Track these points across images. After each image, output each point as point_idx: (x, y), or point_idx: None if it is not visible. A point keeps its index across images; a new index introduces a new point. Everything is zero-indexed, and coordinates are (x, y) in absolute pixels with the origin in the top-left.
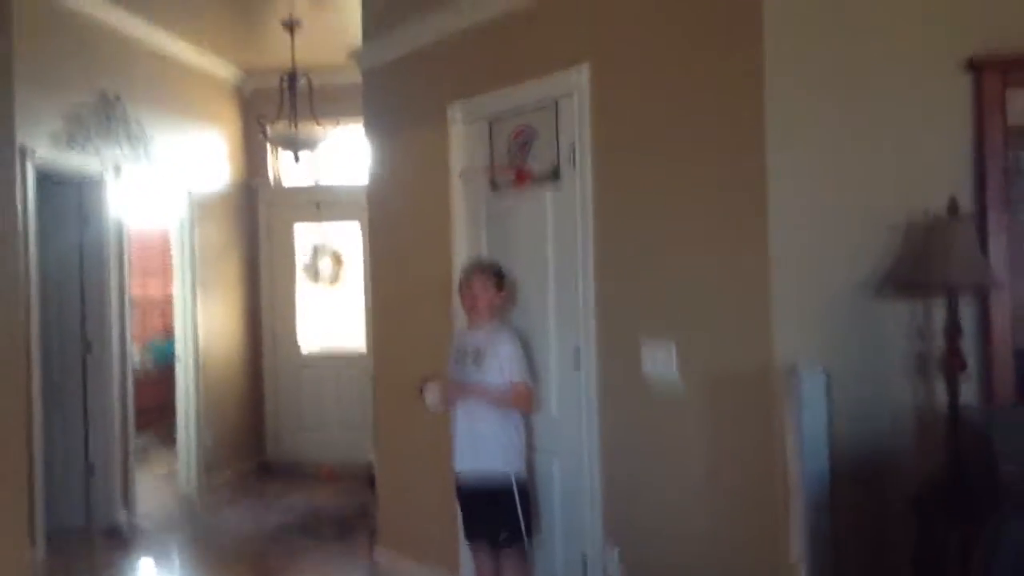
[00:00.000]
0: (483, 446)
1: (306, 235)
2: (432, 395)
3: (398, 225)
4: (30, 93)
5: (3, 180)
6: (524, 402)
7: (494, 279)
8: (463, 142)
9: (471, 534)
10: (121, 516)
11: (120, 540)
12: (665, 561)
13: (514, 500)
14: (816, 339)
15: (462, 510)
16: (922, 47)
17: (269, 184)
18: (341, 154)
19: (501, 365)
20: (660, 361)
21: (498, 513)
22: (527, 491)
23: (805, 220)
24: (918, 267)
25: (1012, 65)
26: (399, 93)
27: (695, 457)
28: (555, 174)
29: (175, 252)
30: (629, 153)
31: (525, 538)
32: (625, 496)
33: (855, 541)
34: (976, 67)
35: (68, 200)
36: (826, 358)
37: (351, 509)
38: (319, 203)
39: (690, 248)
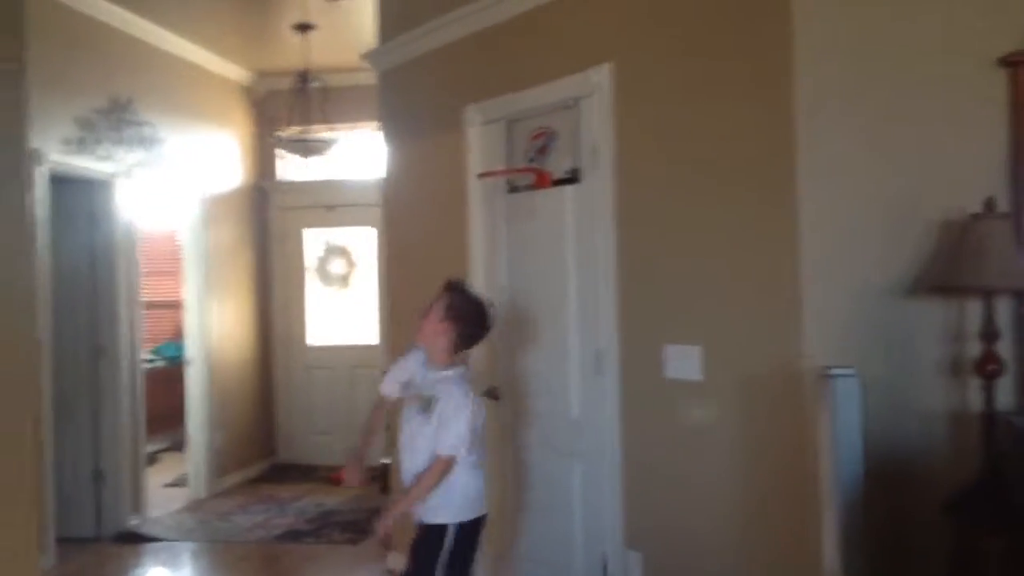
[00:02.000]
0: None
1: (318, 236)
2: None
3: (415, 228)
4: (42, 97)
5: (16, 189)
6: (433, 479)
7: (445, 303)
8: (481, 144)
9: None
10: (132, 522)
11: (131, 546)
12: (689, 567)
13: (440, 551)
14: (847, 341)
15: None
16: (955, 44)
17: (280, 186)
18: (354, 157)
19: (437, 428)
20: (685, 365)
21: (417, 559)
22: (466, 540)
23: (836, 220)
24: (952, 268)
25: None
26: (416, 94)
27: (720, 462)
28: (576, 175)
29: (187, 254)
30: (653, 154)
31: None
32: (647, 500)
33: (887, 546)
34: (1012, 63)
35: (79, 203)
36: (857, 361)
37: (363, 512)
38: (331, 207)
39: (717, 250)
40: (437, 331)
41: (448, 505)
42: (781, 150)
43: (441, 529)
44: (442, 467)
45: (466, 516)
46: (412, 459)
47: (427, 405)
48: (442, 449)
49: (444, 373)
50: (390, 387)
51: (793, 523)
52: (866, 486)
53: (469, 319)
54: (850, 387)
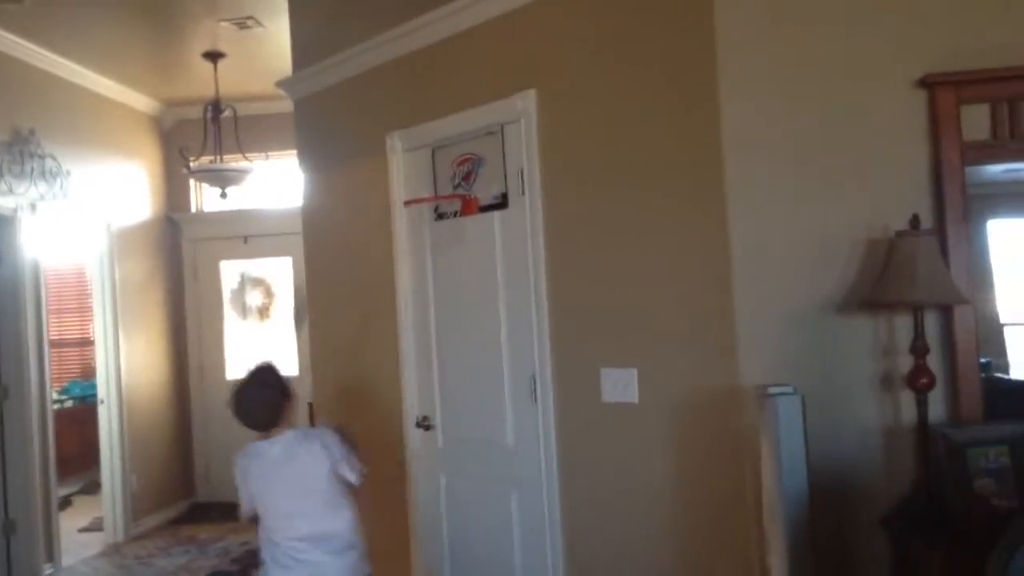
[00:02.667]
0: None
1: (234, 268)
2: None
3: (338, 257)
4: None
5: None
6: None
7: (278, 394)
8: (405, 171)
9: None
10: (46, 572)
11: None
12: None
13: None
14: (781, 359)
15: None
16: (876, 65)
17: (193, 217)
18: (270, 188)
19: (336, 453)
20: (621, 388)
21: None
22: None
23: (765, 239)
24: (881, 285)
25: (964, 82)
26: (334, 122)
27: (661, 484)
28: (504, 201)
29: (95, 289)
30: (580, 178)
31: None
32: (589, 528)
33: (830, 563)
34: (929, 84)
35: None
36: (791, 378)
37: None
38: (247, 238)
39: (648, 272)
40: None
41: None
42: (709, 172)
43: None
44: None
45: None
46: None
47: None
48: (356, 476)
49: (290, 435)
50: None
51: (736, 543)
52: (809, 502)
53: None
54: (791, 405)
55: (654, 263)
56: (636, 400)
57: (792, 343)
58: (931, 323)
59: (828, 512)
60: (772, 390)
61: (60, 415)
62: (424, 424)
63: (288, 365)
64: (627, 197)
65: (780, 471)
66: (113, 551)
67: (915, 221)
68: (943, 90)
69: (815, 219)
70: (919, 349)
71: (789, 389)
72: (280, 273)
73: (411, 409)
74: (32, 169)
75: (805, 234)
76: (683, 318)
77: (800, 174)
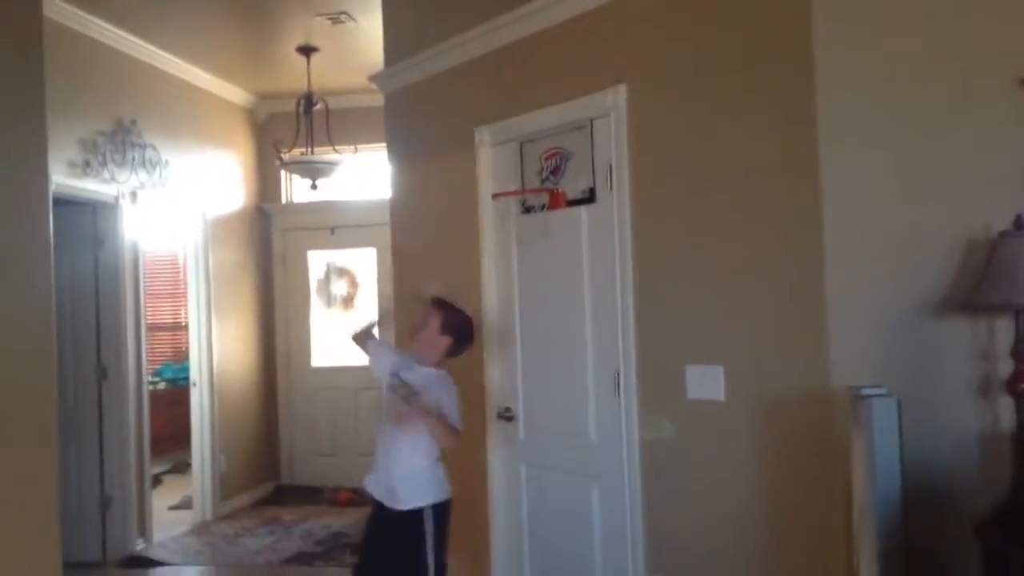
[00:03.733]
0: (397, 484)
1: (320, 258)
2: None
3: (424, 249)
4: (47, 120)
5: (42, 217)
6: (453, 438)
7: (441, 319)
8: (492, 164)
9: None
10: (138, 546)
11: (138, 571)
12: None
13: (424, 538)
14: (874, 360)
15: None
16: (979, 63)
17: (283, 208)
18: (358, 180)
19: (441, 409)
20: (707, 386)
21: (401, 549)
22: (441, 521)
23: (861, 239)
24: (982, 286)
25: None
26: (423, 116)
27: (745, 484)
28: (591, 196)
29: (190, 276)
30: (671, 174)
31: None
32: (670, 523)
33: (921, 571)
34: None
35: (84, 225)
36: (884, 379)
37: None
38: (333, 228)
39: (738, 270)
40: (435, 343)
41: (419, 489)
42: (804, 170)
43: (418, 513)
44: (454, 432)
45: (439, 497)
46: (388, 465)
47: (409, 395)
48: (455, 422)
49: (435, 372)
50: (380, 376)
51: (823, 546)
52: (902, 508)
53: (464, 333)
54: (886, 407)
55: (744, 261)
56: (723, 398)
57: (886, 344)
58: None
59: (921, 519)
60: (866, 391)
61: (152, 397)
62: (506, 415)
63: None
64: (717, 194)
65: (873, 475)
66: (201, 529)
67: (1019, 221)
68: None
69: (913, 218)
70: (1021, 353)
71: (884, 391)
72: (365, 264)
73: (493, 400)
74: (133, 158)
75: (902, 233)
76: (773, 317)
77: (898, 173)
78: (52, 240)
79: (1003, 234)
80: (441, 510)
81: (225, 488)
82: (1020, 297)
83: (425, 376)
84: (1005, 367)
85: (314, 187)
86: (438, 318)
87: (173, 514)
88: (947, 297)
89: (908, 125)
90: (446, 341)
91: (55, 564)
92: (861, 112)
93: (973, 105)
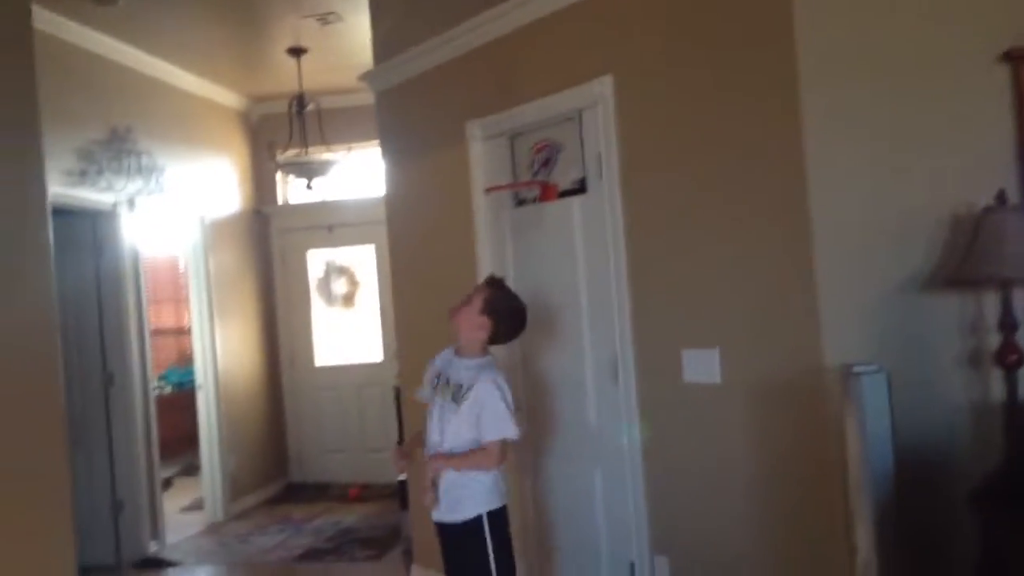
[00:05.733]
0: (450, 495)
1: (319, 257)
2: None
3: (421, 245)
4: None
5: (41, 223)
6: (489, 462)
7: (485, 296)
8: (484, 159)
9: None
10: (152, 548)
11: (152, 572)
12: (717, 569)
13: (485, 545)
14: (865, 337)
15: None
16: (958, 41)
17: (280, 210)
18: (353, 178)
19: (478, 416)
20: (703, 369)
21: (467, 559)
22: (500, 527)
23: (848, 218)
24: (968, 261)
25: None
26: (414, 113)
27: (743, 463)
28: (582, 186)
29: (191, 279)
30: (659, 161)
31: None
32: (672, 505)
33: (916, 542)
34: (1014, 59)
35: (83, 234)
36: (876, 356)
37: (383, 529)
38: (331, 227)
39: (730, 253)
40: (476, 324)
41: (474, 496)
42: (789, 153)
43: (475, 522)
44: (492, 451)
45: (494, 504)
46: (442, 437)
47: (456, 393)
48: (489, 432)
49: (475, 361)
50: (423, 393)
51: (821, 521)
52: (896, 481)
53: (507, 317)
54: (878, 384)
55: (735, 245)
56: (719, 380)
57: (877, 322)
58: (1020, 300)
59: (915, 490)
60: (857, 368)
61: (159, 401)
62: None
63: (373, 351)
64: (706, 178)
65: (867, 449)
66: (213, 529)
67: (1002, 196)
68: None
69: (898, 196)
70: (1008, 325)
71: (874, 367)
72: (364, 261)
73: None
74: (129, 166)
75: (889, 212)
76: (766, 298)
77: (882, 151)
78: (52, 248)
79: (987, 209)
80: (497, 517)
81: (235, 488)
82: (1006, 270)
83: (466, 368)
84: (994, 340)
85: (309, 187)
86: (482, 295)
87: (185, 516)
88: (935, 273)
89: (891, 105)
90: (487, 323)
91: (71, 567)
92: (844, 93)
93: (955, 83)
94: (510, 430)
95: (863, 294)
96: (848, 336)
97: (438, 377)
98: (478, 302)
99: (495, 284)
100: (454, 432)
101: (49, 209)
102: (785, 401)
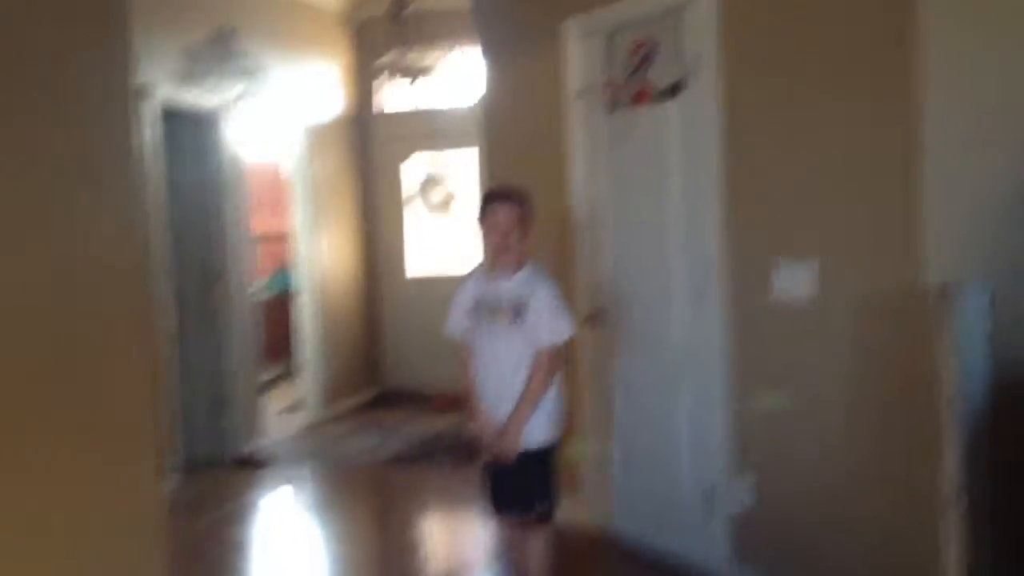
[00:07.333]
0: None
1: (417, 165)
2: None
3: (515, 150)
4: (149, 32)
5: (118, 118)
6: (548, 373)
7: (519, 211)
8: (579, 60)
9: (499, 506)
10: (251, 447)
11: (251, 470)
12: (802, 491)
13: (548, 471)
14: (972, 255)
15: (491, 480)
16: None
17: (382, 114)
18: (452, 83)
19: (534, 324)
20: (799, 282)
21: (531, 484)
22: (555, 459)
23: (959, 128)
24: None
25: None
26: (513, 12)
27: (835, 383)
28: (679, 88)
29: (294, 186)
30: (762, 62)
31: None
32: (758, 424)
33: (1014, 471)
34: None
35: (188, 137)
36: (981, 274)
37: (469, 438)
38: (433, 131)
39: (832, 159)
40: (526, 242)
41: (539, 424)
42: (903, 53)
43: (540, 451)
44: (553, 360)
45: (556, 432)
46: (502, 379)
47: (517, 312)
48: (551, 338)
49: (523, 275)
50: (456, 326)
51: (912, 447)
52: (991, 404)
53: (529, 202)
54: (980, 300)
55: (838, 150)
56: (816, 293)
57: (985, 238)
58: None
59: (1013, 414)
60: (957, 286)
61: (265, 305)
62: (596, 317)
63: (471, 260)
64: (812, 81)
65: (961, 371)
66: (309, 431)
67: None
68: None
69: (1013, 103)
70: None
71: (975, 285)
72: (462, 169)
73: (583, 302)
74: (233, 67)
75: (1001, 120)
76: (868, 209)
77: (998, 56)
78: (151, 151)
79: None
80: (557, 445)
81: (331, 392)
82: None
83: (517, 285)
84: None
85: (412, 83)
86: (509, 216)
87: (282, 418)
88: None
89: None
90: (525, 234)
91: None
92: None
93: None
94: (568, 329)
95: (973, 207)
96: (954, 251)
97: (479, 305)
98: (514, 225)
99: (498, 196)
100: (519, 351)
101: (158, 111)
102: (882, 318)
